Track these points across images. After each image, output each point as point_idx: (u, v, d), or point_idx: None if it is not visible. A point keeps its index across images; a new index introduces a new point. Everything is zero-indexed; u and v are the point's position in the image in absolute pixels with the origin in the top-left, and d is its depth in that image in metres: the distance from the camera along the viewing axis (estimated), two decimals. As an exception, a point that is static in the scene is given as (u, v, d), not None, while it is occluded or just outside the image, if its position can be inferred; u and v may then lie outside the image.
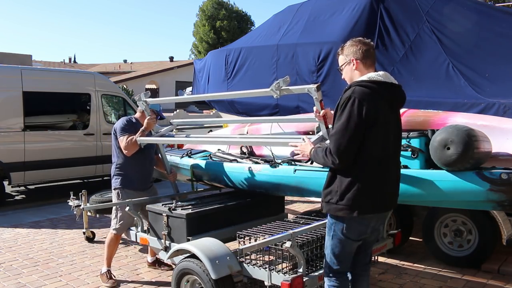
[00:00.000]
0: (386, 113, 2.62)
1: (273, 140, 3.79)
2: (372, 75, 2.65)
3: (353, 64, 2.73)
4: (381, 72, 2.68)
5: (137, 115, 4.56)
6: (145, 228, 4.31)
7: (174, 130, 4.93)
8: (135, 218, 4.35)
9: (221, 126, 7.88)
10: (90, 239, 5.65)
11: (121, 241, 5.42)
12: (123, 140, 4.29)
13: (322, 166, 3.14)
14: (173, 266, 3.95)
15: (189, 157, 5.08)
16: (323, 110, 3.16)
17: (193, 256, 3.34)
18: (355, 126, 2.51)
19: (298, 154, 3.09)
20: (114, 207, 4.46)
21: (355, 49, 2.73)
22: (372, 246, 3.03)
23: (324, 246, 2.89)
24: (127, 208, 4.21)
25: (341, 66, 2.82)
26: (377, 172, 2.61)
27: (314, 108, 3.22)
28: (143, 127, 4.34)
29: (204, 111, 27.94)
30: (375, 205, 2.66)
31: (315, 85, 3.06)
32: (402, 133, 3.68)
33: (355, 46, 2.73)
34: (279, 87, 3.32)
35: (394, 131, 2.72)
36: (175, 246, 3.68)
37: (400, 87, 2.76)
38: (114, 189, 4.46)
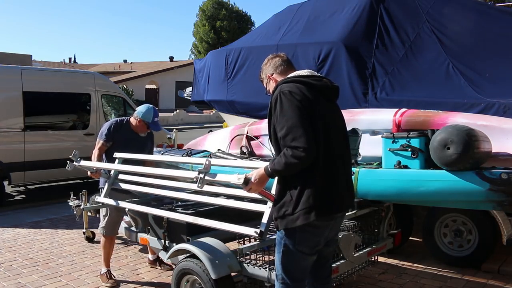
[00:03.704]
0: (320, 103, 2.47)
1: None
2: (296, 72, 2.60)
3: (271, 80, 2.71)
4: (305, 70, 2.63)
5: (132, 120, 4.45)
6: (134, 227, 4.34)
7: (175, 130, 4.93)
8: (129, 219, 4.36)
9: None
10: (90, 239, 5.65)
11: (121, 241, 5.44)
12: (95, 145, 4.41)
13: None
14: (173, 266, 3.95)
15: (189, 157, 5.08)
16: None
17: (193, 256, 3.34)
18: (301, 112, 2.35)
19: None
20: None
21: (266, 67, 2.75)
22: (330, 259, 2.82)
23: (275, 265, 2.61)
24: (126, 209, 4.22)
25: (267, 89, 2.77)
26: (323, 169, 2.40)
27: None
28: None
29: (204, 111, 27.96)
30: (330, 204, 2.43)
31: (243, 178, 2.49)
32: (402, 133, 3.73)
33: (266, 65, 2.76)
34: (202, 180, 2.76)
35: (335, 124, 2.55)
36: (175, 246, 3.68)
37: (329, 80, 2.62)
38: (99, 188, 4.49)
